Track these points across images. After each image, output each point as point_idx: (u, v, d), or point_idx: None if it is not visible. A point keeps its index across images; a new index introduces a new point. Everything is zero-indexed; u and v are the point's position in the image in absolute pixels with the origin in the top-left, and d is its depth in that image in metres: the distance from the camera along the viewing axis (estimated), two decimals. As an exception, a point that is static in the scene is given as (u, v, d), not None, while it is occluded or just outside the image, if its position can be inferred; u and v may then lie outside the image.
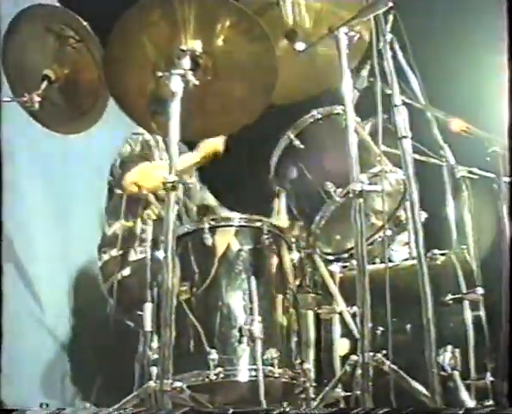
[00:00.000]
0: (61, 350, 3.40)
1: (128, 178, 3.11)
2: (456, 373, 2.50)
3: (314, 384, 2.54)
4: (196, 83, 2.31)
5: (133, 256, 3.07)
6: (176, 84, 2.23)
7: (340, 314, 2.71)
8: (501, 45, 2.17)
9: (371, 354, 2.14)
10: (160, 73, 2.29)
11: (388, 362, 2.19)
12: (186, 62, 2.30)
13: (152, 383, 2.27)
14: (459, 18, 3.94)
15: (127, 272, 3.03)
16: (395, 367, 2.20)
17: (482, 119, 3.00)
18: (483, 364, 2.55)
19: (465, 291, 2.66)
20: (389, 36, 2.41)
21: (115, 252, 3.08)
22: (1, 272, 2.31)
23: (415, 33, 2.64)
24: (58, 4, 3.27)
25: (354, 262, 2.58)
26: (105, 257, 3.17)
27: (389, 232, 2.79)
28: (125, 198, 3.07)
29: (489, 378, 2.53)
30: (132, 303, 2.87)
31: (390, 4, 2.32)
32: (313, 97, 2.92)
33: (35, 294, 3.21)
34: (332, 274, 2.82)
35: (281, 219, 2.92)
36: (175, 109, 2.21)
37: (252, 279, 2.49)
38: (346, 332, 2.67)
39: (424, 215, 2.68)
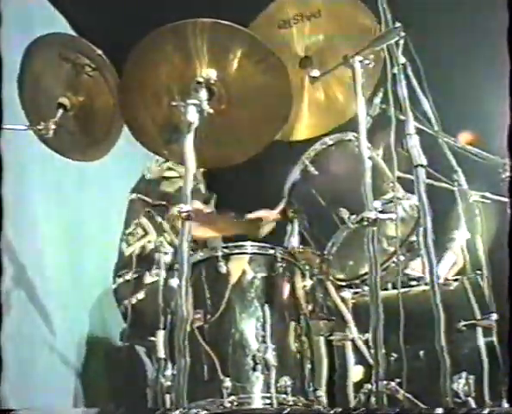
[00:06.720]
0: (74, 376, 3.40)
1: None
2: (470, 400, 2.48)
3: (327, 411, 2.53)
4: (211, 111, 2.31)
5: (147, 279, 3.05)
6: (192, 114, 2.23)
7: (353, 341, 2.70)
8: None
9: (385, 382, 2.14)
10: (175, 103, 2.30)
11: (402, 391, 2.19)
12: (202, 93, 2.31)
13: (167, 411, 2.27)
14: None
15: (141, 295, 3.03)
16: (409, 396, 2.19)
17: (492, 142, 3.01)
18: (498, 391, 2.53)
19: (478, 317, 2.66)
20: (402, 59, 2.40)
21: (129, 275, 3.06)
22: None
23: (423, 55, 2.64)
24: (73, 33, 3.32)
25: (366, 288, 2.58)
26: (120, 280, 3.17)
27: (401, 257, 2.79)
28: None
29: (504, 405, 2.51)
30: (145, 327, 2.86)
31: (403, 34, 2.32)
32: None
33: (48, 320, 3.21)
34: (344, 300, 2.82)
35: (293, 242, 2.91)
36: (190, 139, 2.21)
37: (266, 306, 2.49)
38: (360, 359, 2.67)
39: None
